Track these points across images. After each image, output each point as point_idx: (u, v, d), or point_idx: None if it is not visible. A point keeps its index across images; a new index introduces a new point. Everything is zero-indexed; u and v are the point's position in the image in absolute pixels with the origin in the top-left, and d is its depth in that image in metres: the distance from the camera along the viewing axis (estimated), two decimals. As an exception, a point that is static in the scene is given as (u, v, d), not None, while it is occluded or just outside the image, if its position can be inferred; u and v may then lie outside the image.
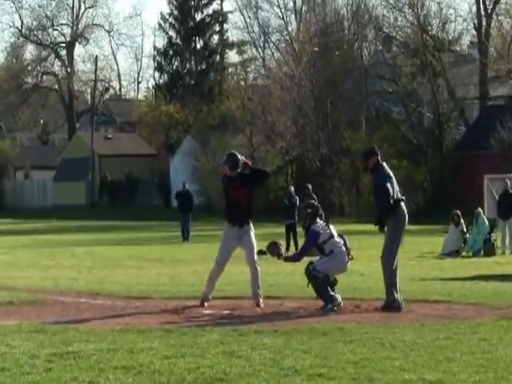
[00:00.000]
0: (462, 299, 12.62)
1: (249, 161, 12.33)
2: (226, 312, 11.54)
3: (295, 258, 12.11)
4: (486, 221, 24.87)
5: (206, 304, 11.98)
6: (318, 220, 11.91)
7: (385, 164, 11.77)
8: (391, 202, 11.45)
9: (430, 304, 12.11)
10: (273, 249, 11.94)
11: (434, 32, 50.75)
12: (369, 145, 45.89)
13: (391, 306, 11.41)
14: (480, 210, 25.43)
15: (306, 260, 11.85)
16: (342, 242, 11.78)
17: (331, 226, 11.90)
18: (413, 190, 45.69)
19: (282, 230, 26.60)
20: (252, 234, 12.03)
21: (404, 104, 49.81)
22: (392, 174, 11.70)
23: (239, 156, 12.20)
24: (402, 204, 11.65)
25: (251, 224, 12.08)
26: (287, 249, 24.97)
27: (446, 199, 42.51)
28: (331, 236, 11.69)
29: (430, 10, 50.97)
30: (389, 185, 11.47)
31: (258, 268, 11.96)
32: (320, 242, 11.65)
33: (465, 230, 24.78)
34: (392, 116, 51.26)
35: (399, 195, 11.63)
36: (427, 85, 48.98)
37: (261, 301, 11.88)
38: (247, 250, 11.99)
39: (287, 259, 12.23)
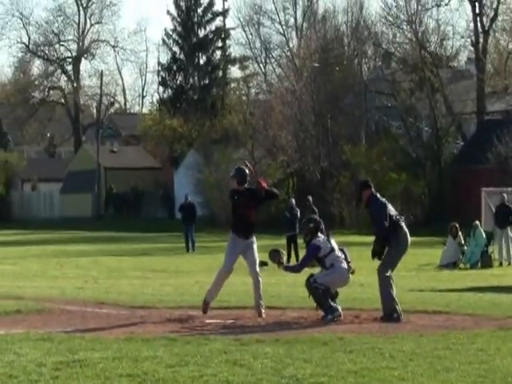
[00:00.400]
0: (459, 310, 12.68)
1: (264, 182, 12.42)
2: (229, 322, 11.66)
3: (295, 269, 12.44)
4: (484, 233, 25.22)
5: (208, 309, 12.19)
6: (319, 234, 12.03)
7: (378, 195, 11.99)
8: (387, 229, 11.65)
9: (429, 315, 12.19)
10: (274, 256, 12.18)
11: (432, 48, 51.26)
12: (369, 159, 47.06)
13: (391, 316, 11.51)
14: (477, 222, 25.79)
15: (306, 271, 12.10)
16: (343, 256, 11.88)
17: (332, 240, 12.02)
18: (411, 203, 46.32)
19: (283, 241, 26.61)
20: (255, 246, 12.23)
21: (403, 119, 50.24)
22: (386, 202, 11.89)
23: (248, 171, 12.38)
24: (403, 224, 11.81)
25: (254, 237, 12.30)
26: (288, 260, 24.83)
27: (444, 212, 42.90)
28: (332, 250, 11.79)
29: (429, 27, 51.63)
30: (383, 214, 11.68)
31: (261, 280, 12.15)
32: (321, 255, 11.78)
33: (462, 242, 25.08)
34: (391, 130, 51.69)
35: (397, 217, 11.82)
36: (425, 100, 49.40)
37: (263, 311, 12.02)
38: (250, 262, 12.17)
39: (287, 269, 12.52)
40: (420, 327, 10.97)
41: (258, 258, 12.22)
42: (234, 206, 12.31)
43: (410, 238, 11.86)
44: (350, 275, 11.92)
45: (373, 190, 11.96)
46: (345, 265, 11.76)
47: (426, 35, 51.12)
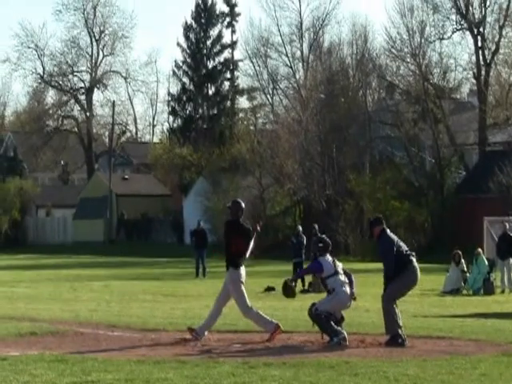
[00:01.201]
0: (463, 335, 12.68)
1: (259, 226, 12.60)
2: (238, 345, 11.79)
3: (297, 276, 13.27)
4: (486, 261, 25.36)
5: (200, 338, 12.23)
6: (327, 255, 12.16)
7: (388, 231, 12.20)
8: (398, 266, 11.84)
9: (432, 340, 12.21)
10: (287, 290, 12.77)
11: (435, 80, 51.60)
12: (373, 187, 47.96)
13: (395, 341, 11.62)
14: (480, 250, 26.01)
15: (310, 297, 12.61)
16: (347, 280, 12.00)
17: (339, 264, 12.15)
18: (414, 230, 46.99)
19: (290, 267, 26.88)
20: (231, 284, 12.26)
21: (406, 149, 50.66)
22: (396, 239, 12.10)
23: (243, 204, 12.56)
24: (414, 260, 11.97)
25: (230, 271, 12.33)
26: (294, 286, 26.47)
27: (446, 240, 43.19)
28: (336, 273, 11.93)
29: (432, 60, 52.01)
30: (393, 251, 11.89)
31: (251, 312, 12.30)
32: (324, 276, 11.99)
33: (465, 269, 25.28)
34: (395, 160, 52.12)
35: (408, 253, 11.99)
36: (428, 131, 49.88)
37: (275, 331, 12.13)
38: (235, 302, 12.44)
39: (292, 280, 13.15)
40: (424, 352, 11.07)
41: (239, 294, 12.28)
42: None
43: (419, 275, 12.03)
44: (352, 301, 12.13)
45: (384, 226, 12.20)
46: (347, 289, 11.92)
47: (429, 68, 51.65)
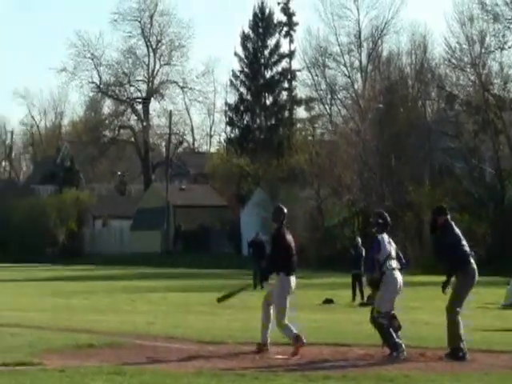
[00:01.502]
0: None
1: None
2: (296, 357, 11.69)
3: (370, 272, 11.93)
4: None
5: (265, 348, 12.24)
6: (385, 234, 11.88)
7: (453, 223, 11.84)
8: (460, 260, 11.60)
9: (494, 353, 12.04)
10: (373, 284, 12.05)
11: (496, 91, 51.11)
12: (432, 199, 47.35)
13: (456, 354, 11.43)
14: None
15: (369, 311, 12.14)
16: (399, 265, 11.76)
17: (394, 246, 11.90)
18: (474, 243, 46.33)
19: (349, 279, 26.55)
20: (279, 290, 12.26)
21: (466, 160, 50.20)
22: (460, 234, 11.78)
23: (285, 209, 12.62)
24: (472, 260, 11.69)
25: (280, 277, 12.29)
26: (353, 298, 25.43)
27: (507, 251, 42.79)
28: (389, 255, 11.70)
29: (492, 70, 51.52)
30: (458, 244, 11.63)
31: (285, 329, 12.12)
32: (381, 258, 11.68)
33: None
34: (454, 171, 51.74)
35: (468, 252, 11.71)
36: (489, 142, 49.39)
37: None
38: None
39: (372, 278, 12.21)
40: (485, 366, 10.92)
41: (281, 303, 12.25)
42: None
43: (477, 275, 11.80)
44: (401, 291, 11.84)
45: (448, 216, 11.87)
46: (397, 273, 11.72)
47: (490, 78, 51.17)
